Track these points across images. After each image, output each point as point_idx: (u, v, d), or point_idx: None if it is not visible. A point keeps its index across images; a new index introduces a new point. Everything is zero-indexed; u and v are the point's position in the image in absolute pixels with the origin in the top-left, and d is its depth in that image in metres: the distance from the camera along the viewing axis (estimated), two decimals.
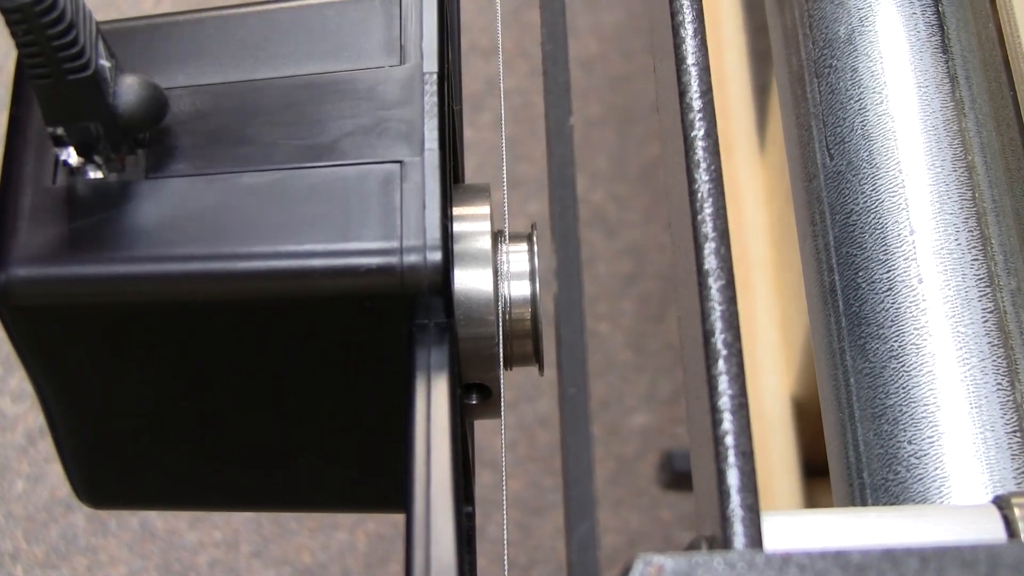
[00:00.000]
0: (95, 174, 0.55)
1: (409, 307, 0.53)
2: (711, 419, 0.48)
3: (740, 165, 1.26)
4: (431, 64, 0.57)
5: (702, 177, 0.52)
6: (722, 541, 0.46)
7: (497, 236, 0.59)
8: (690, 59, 0.55)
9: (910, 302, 0.58)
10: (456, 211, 0.58)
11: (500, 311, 0.58)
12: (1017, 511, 0.50)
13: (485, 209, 0.59)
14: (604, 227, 1.46)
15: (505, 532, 0.84)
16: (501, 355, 0.58)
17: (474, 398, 0.60)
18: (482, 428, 0.67)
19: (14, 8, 0.49)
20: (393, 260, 0.53)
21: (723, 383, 0.48)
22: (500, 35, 0.66)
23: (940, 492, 0.54)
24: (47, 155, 0.55)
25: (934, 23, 0.63)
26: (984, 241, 0.58)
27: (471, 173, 0.70)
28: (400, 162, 0.55)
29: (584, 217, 1.45)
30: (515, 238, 0.60)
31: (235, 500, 0.66)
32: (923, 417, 0.56)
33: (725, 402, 0.48)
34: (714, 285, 0.50)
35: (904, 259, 0.58)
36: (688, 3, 0.56)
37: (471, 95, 1.41)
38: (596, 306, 1.42)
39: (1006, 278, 0.58)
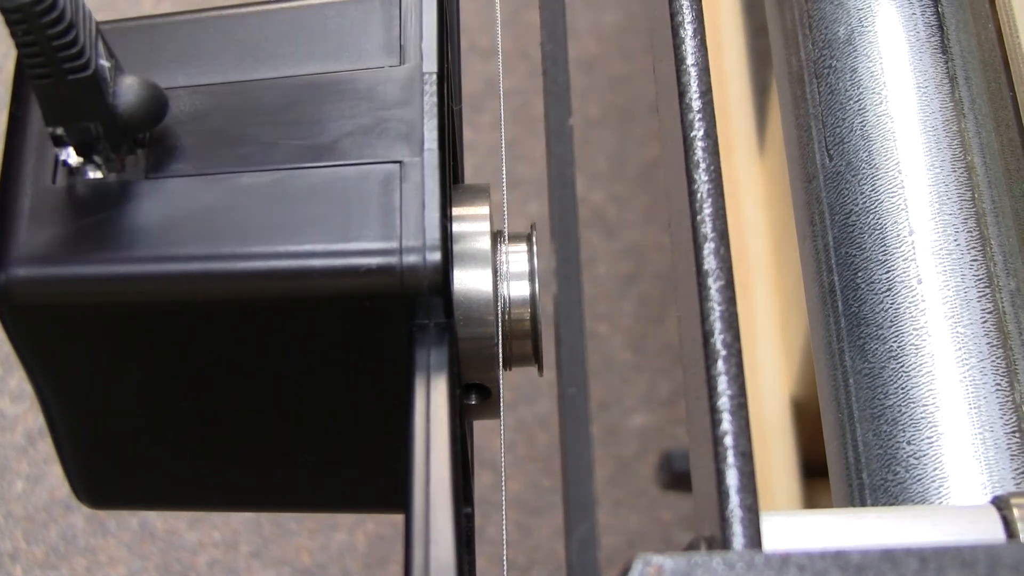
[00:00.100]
0: (95, 174, 0.55)
1: (409, 307, 0.53)
2: (710, 419, 0.48)
3: (739, 166, 1.26)
4: (431, 64, 0.57)
5: (701, 177, 0.52)
6: (721, 541, 0.46)
7: (497, 236, 0.59)
8: (689, 59, 0.55)
9: (909, 303, 0.58)
10: (456, 211, 0.58)
11: (499, 311, 0.58)
12: (1016, 511, 0.50)
13: (485, 209, 0.59)
14: (604, 227, 1.46)
15: (504, 533, 0.84)
16: (500, 355, 0.58)
17: (473, 398, 0.60)
18: (481, 428, 0.68)
19: (14, 8, 0.49)
20: (393, 260, 0.53)
21: (722, 383, 0.48)
22: (500, 35, 0.66)
23: (939, 492, 0.54)
24: (47, 155, 0.55)
25: (933, 24, 0.63)
26: (983, 242, 0.58)
27: (471, 173, 0.70)
28: (400, 162, 0.55)
29: (584, 217, 1.45)
30: (515, 238, 0.60)
31: (235, 500, 0.66)
32: (922, 417, 0.56)
33: (724, 402, 0.48)
34: (713, 285, 0.50)
35: (903, 260, 0.58)
36: (687, 3, 0.56)
37: (471, 95, 1.41)
38: (595, 307, 1.42)
39: (1005, 279, 0.58)
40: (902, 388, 0.56)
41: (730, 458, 0.47)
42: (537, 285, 0.59)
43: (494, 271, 0.58)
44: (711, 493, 0.47)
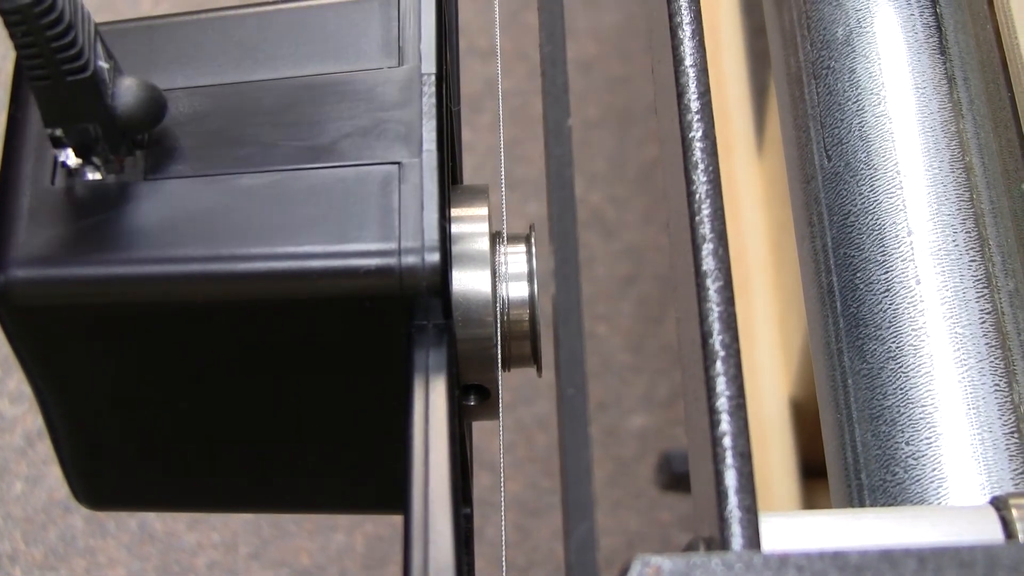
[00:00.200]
0: (94, 175, 0.55)
1: (407, 308, 0.53)
2: (709, 420, 0.48)
3: (738, 166, 1.26)
4: (429, 65, 0.57)
5: (700, 178, 0.52)
6: (720, 542, 0.46)
7: (495, 237, 0.59)
8: (688, 60, 0.55)
9: (908, 303, 0.58)
10: (454, 212, 0.58)
11: (498, 312, 0.58)
12: (1015, 512, 0.50)
13: (483, 210, 0.59)
14: (602, 228, 1.46)
15: (503, 533, 0.84)
16: (499, 356, 0.58)
17: (472, 399, 0.60)
18: (480, 429, 0.68)
19: (13, 9, 0.49)
20: (391, 261, 0.53)
21: (721, 384, 0.48)
22: (498, 36, 0.67)
23: (938, 493, 0.54)
24: (46, 156, 0.55)
25: (932, 24, 0.63)
26: (982, 242, 0.58)
27: (469, 174, 0.70)
28: (398, 163, 0.55)
29: (582, 218, 1.45)
30: (513, 239, 0.60)
31: (234, 501, 0.66)
32: (921, 418, 0.56)
33: (723, 403, 0.48)
34: (712, 286, 0.50)
35: (902, 260, 0.58)
36: (686, 4, 0.56)
37: (469, 96, 1.41)
38: (594, 307, 1.42)
39: (1004, 279, 0.58)
40: (901, 389, 0.56)
41: (729, 459, 0.47)
42: (536, 286, 0.59)
43: (493, 272, 0.58)
44: (710, 494, 0.47)
